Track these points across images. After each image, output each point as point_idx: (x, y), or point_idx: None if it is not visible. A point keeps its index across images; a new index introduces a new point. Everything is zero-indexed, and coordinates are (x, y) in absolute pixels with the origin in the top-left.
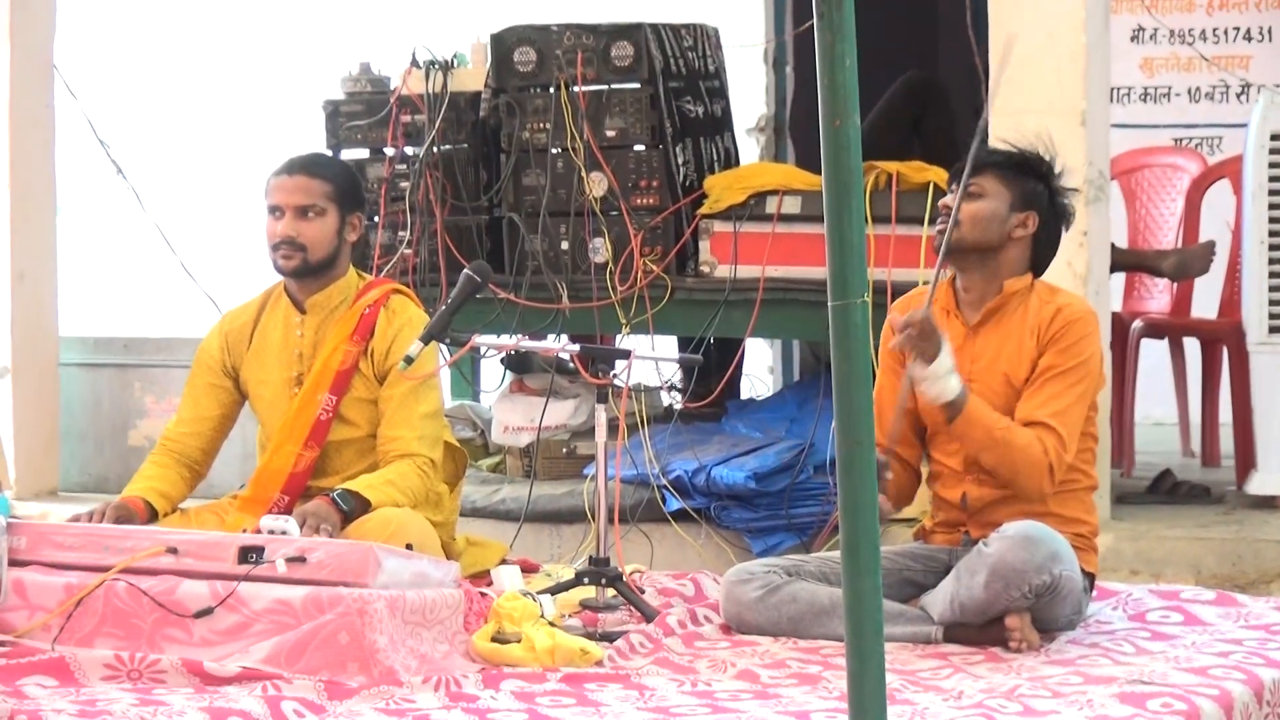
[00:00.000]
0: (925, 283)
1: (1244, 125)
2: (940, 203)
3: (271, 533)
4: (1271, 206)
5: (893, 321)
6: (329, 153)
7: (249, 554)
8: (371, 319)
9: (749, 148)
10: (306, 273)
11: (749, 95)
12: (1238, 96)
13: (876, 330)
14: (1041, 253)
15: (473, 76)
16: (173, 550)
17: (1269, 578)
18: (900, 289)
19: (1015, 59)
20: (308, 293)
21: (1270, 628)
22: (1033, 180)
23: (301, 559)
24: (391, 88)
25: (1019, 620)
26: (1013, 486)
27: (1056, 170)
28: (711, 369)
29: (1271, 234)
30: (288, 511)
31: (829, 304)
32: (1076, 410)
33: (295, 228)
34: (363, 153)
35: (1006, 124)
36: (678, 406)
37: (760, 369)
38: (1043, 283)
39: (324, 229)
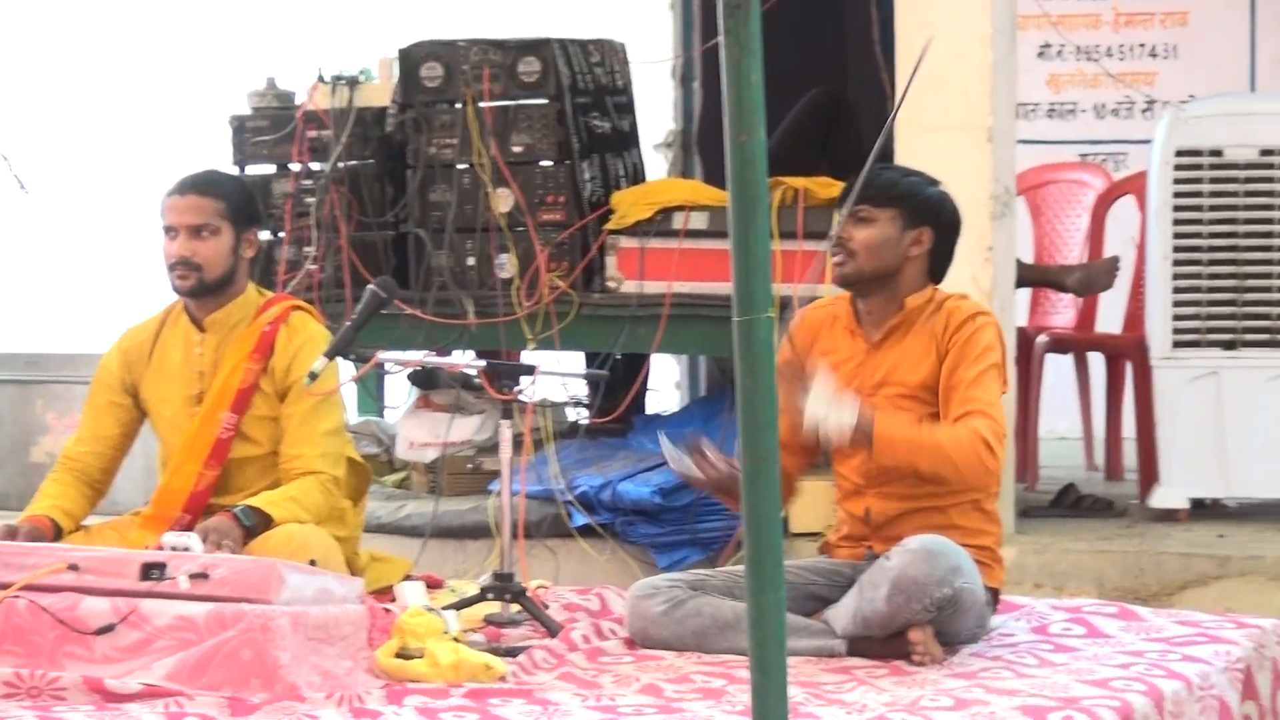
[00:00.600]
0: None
1: (1149, 141)
2: (832, 234)
3: (174, 549)
4: (1176, 222)
5: (793, 331)
6: (234, 169)
7: (151, 570)
8: (271, 336)
9: (657, 163)
10: (203, 292)
11: (657, 111)
12: (1143, 113)
13: None
14: (938, 264)
15: (380, 92)
16: (74, 567)
17: (1171, 590)
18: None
19: (922, 75)
20: (206, 311)
21: (1171, 640)
22: (919, 195)
23: (204, 575)
24: (298, 103)
25: (922, 633)
26: (961, 482)
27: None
28: (618, 384)
29: (1176, 249)
30: (190, 529)
31: (734, 319)
32: (993, 386)
33: (189, 247)
34: (269, 168)
35: (913, 140)
36: (584, 422)
37: (667, 384)
38: (940, 293)
39: (219, 247)
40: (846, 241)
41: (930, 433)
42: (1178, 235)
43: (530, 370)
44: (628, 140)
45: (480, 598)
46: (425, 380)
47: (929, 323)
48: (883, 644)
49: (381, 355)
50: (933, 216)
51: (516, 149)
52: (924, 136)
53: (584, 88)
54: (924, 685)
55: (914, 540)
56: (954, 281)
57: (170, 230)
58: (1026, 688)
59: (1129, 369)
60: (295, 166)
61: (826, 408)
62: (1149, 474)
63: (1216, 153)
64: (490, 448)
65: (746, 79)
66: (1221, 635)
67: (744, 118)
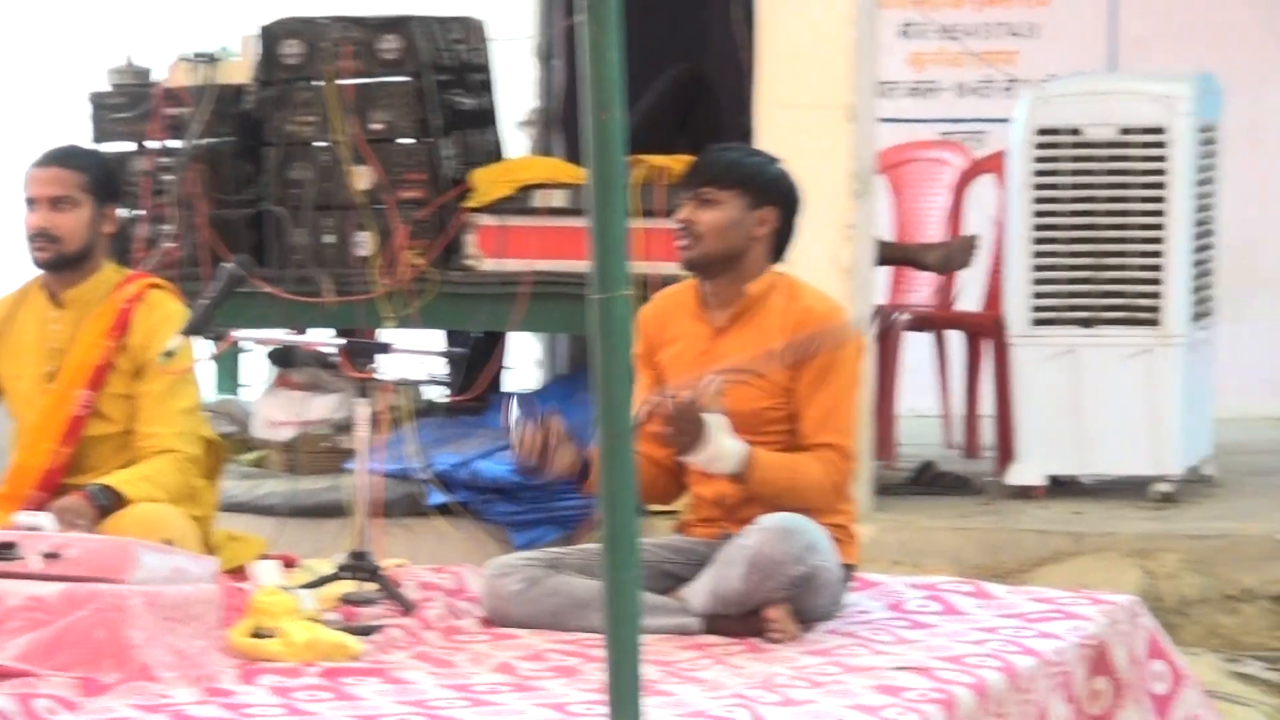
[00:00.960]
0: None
1: (1010, 120)
2: (674, 217)
3: (26, 528)
4: (1035, 201)
5: (642, 321)
6: (92, 145)
7: (2, 550)
8: (128, 313)
9: (519, 141)
10: (61, 265)
11: (518, 89)
12: (1004, 92)
13: None
14: (781, 244)
15: (240, 70)
16: None
17: (1027, 567)
18: (669, 283)
19: (783, 53)
20: (64, 286)
21: (1026, 616)
22: (763, 175)
23: (56, 555)
24: (157, 80)
25: (778, 611)
26: (805, 512)
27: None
28: (478, 363)
29: (1035, 228)
30: (43, 508)
31: (591, 297)
32: (850, 413)
33: (49, 219)
34: (127, 146)
35: (774, 119)
36: (442, 400)
37: (528, 362)
38: (784, 277)
39: (77, 220)
40: (692, 225)
41: (793, 476)
42: (1037, 214)
43: (387, 348)
44: (488, 118)
45: (336, 577)
46: (283, 359)
47: (783, 316)
48: (739, 622)
49: (238, 333)
50: (777, 196)
51: (376, 126)
52: (785, 114)
53: (444, 65)
54: (780, 663)
55: (770, 518)
56: (813, 260)
57: (31, 202)
58: (882, 664)
59: (988, 347)
60: (153, 144)
61: (713, 450)
62: (1006, 451)
63: (1076, 132)
64: (348, 426)
65: (605, 57)
66: (1076, 611)
67: (603, 95)
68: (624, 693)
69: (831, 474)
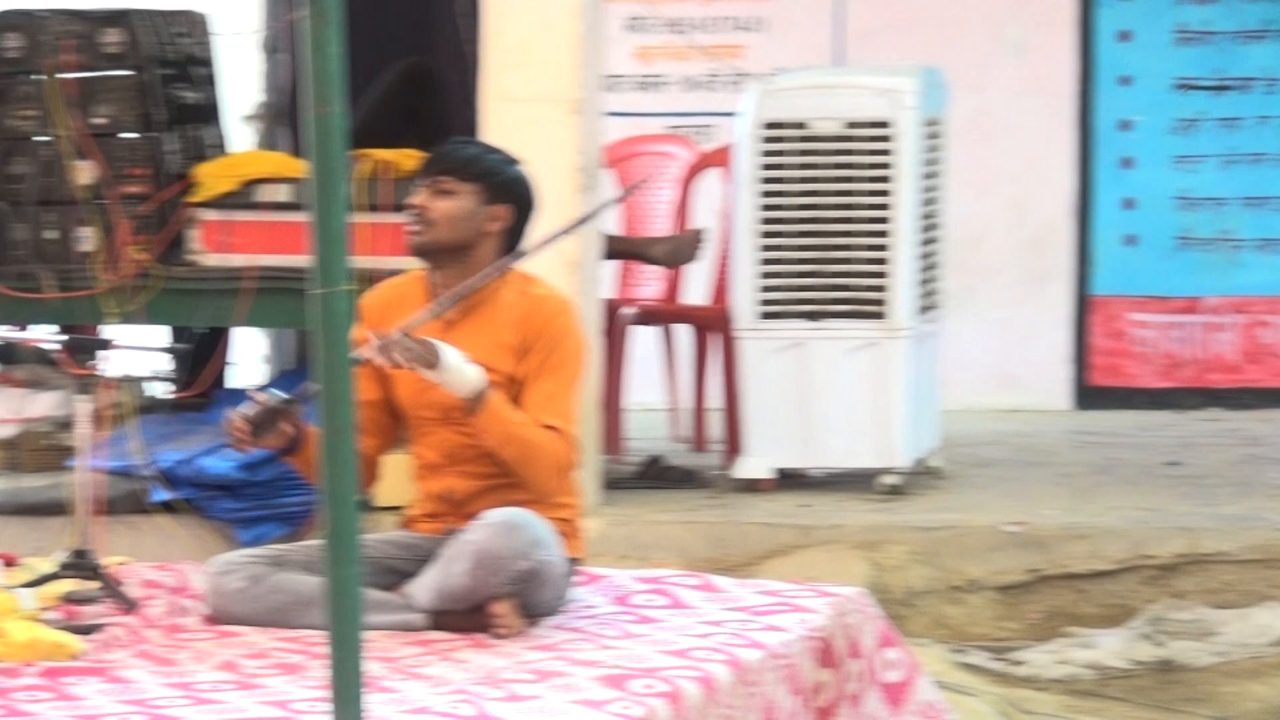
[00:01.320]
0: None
1: (736, 114)
2: (406, 201)
3: None
4: (762, 194)
5: (365, 309)
6: None
7: None
8: None
9: (244, 136)
10: None
11: (244, 83)
12: (731, 86)
13: None
14: (512, 244)
15: None
16: None
17: (755, 560)
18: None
19: (508, 46)
20: None
21: (753, 610)
22: (501, 172)
23: None
24: None
25: (503, 606)
26: (527, 482)
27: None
28: (202, 359)
29: (762, 221)
30: None
31: (312, 292)
32: (574, 404)
33: None
34: None
35: (500, 112)
36: (166, 397)
37: (255, 358)
38: (516, 271)
39: None
40: (426, 212)
41: (524, 428)
42: (764, 207)
43: (109, 345)
44: (212, 112)
45: (57, 575)
46: (4, 355)
47: (513, 309)
48: (464, 617)
49: None
50: (512, 195)
51: (98, 121)
52: (511, 108)
53: (167, 59)
54: (505, 658)
55: (495, 513)
56: (540, 255)
57: None
58: (608, 659)
59: (715, 340)
60: None
61: (458, 365)
62: (734, 445)
63: (802, 125)
64: (70, 423)
65: (326, 51)
66: (803, 604)
67: (323, 89)
68: (347, 690)
69: (557, 452)
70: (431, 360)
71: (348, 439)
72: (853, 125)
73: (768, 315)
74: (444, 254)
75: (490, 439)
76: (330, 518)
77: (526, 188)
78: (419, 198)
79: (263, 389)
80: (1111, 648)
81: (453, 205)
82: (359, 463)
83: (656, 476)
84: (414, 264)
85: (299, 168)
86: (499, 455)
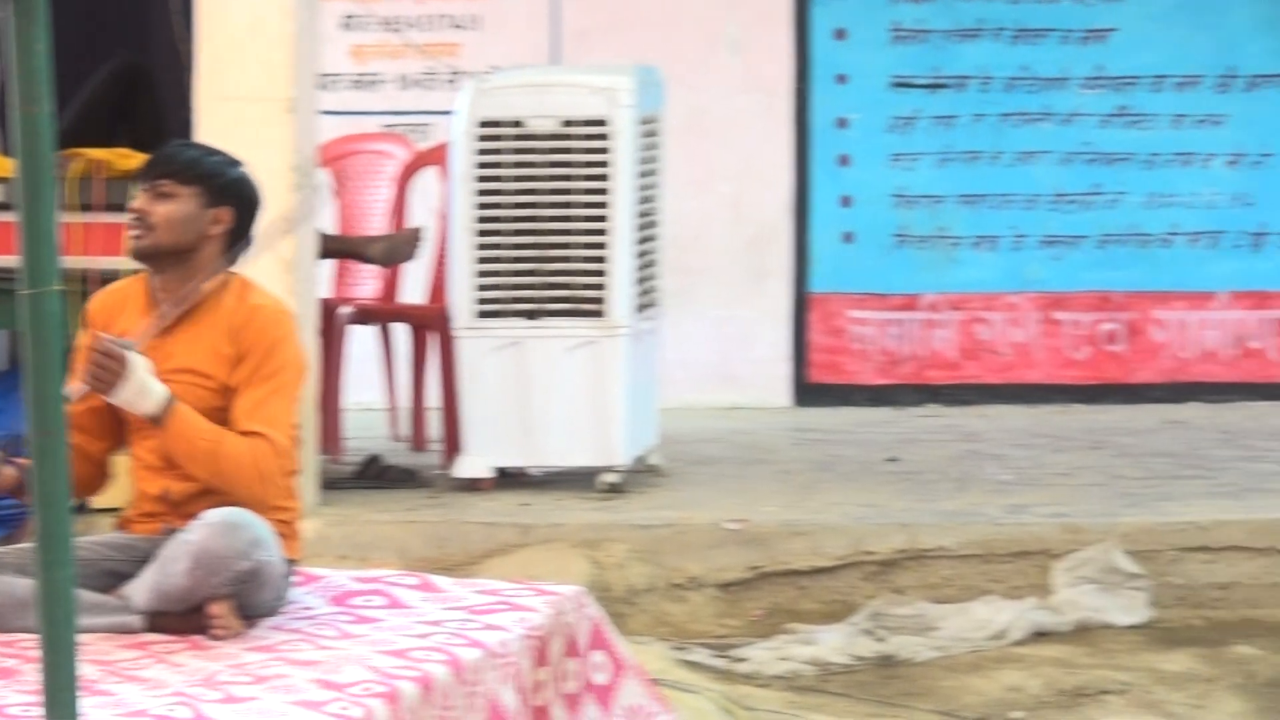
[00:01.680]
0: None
1: (453, 113)
2: (129, 207)
3: None
4: (479, 193)
5: (91, 314)
6: None
7: None
8: None
9: None
10: None
11: None
12: (448, 84)
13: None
14: (235, 247)
15: None
16: None
17: (475, 559)
18: (108, 278)
19: (222, 45)
20: None
21: (472, 609)
22: (223, 175)
23: None
24: None
25: (221, 607)
26: (228, 495)
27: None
28: None
29: (479, 220)
30: None
31: (21, 293)
32: (286, 413)
33: None
34: None
35: (215, 111)
36: None
37: None
38: (236, 276)
39: None
40: (146, 215)
41: (213, 443)
42: (481, 206)
43: None
44: None
45: None
46: None
47: (230, 317)
48: (182, 619)
49: None
50: (235, 198)
51: None
52: (225, 107)
53: None
54: (223, 659)
55: (214, 513)
56: (254, 255)
57: None
58: (326, 659)
59: (434, 340)
60: None
61: (136, 387)
62: (454, 444)
63: (518, 124)
64: None
65: (32, 49)
66: (522, 603)
67: (30, 89)
68: (60, 694)
69: (258, 460)
70: (109, 382)
71: (58, 441)
72: (569, 123)
73: (485, 314)
74: (165, 258)
75: (178, 455)
76: (42, 520)
77: (249, 190)
78: (139, 201)
79: None
80: (832, 643)
81: (173, 209)
82: (91, 465)
83: (375, 476)
84: (130, 264)
85: (7, 167)
86: (189, 470)
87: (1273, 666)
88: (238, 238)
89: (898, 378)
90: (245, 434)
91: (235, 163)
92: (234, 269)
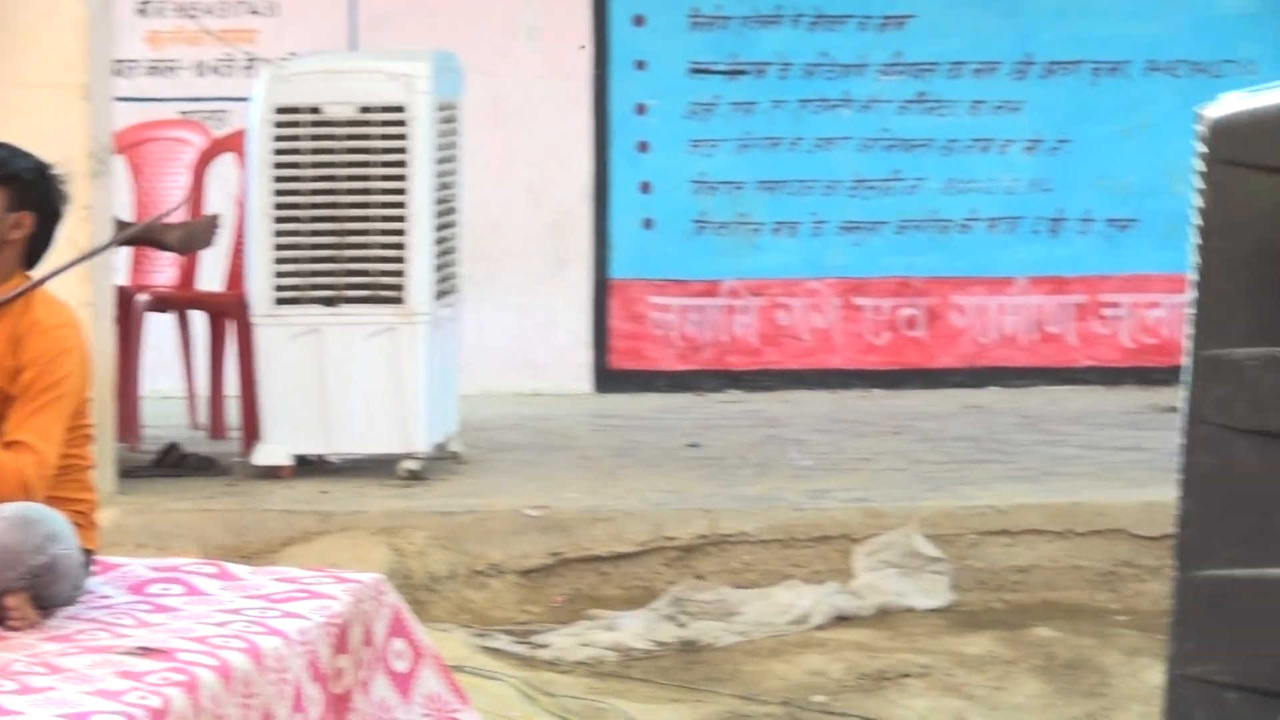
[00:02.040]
0: None
1: (250, 99)
2: None
3: None
4: (276, 180)
5: None
6: None
7: None
8: None
9: None
10: None
11: None
12: (245, 70)
13: None
14: (35, 251)
15: None
16: None
17: (274, 547)
18: None
19: (14, 31)
20: None
21: (271, 597)
22: (28, 178)
23: None
24: None
25: (17, 599)
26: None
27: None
28: None
29: (276, 207)
30: None
31: None
32: (58, 425)
33: None
34: None
35: (8, 98)
36: None
37: None
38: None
39: None
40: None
41: None
42: (278, 193)
43: None
44: None
45: None
46: None
47: (15, 325)
48: None
49: None
50: (38, 201)
51: None
52: (19, 93)
53: None
54: (19, 650)
55: (8, 507)
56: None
57: None
58: (123, 647)
59: (232, 327)
60: None
61: None
62: (252, 432)
63: (315, 110)
64: None
65: None
66: (321, 591)
67: None
68: None
69: (23, 470)
70: None
71: None
72: (366, 110)
73: (284, 301)
74: None
75: None
76: None
77: (54, 193)
78: None
79: None
80: (634, 629)
81: None
82: None
83: (174, 464)
84: None
85: None
86: None
87: (1071, 648)
88: (39, 242)
89: (698, 364)
90: (12, 444)
91: (43, 165)
92: (29, 273)
